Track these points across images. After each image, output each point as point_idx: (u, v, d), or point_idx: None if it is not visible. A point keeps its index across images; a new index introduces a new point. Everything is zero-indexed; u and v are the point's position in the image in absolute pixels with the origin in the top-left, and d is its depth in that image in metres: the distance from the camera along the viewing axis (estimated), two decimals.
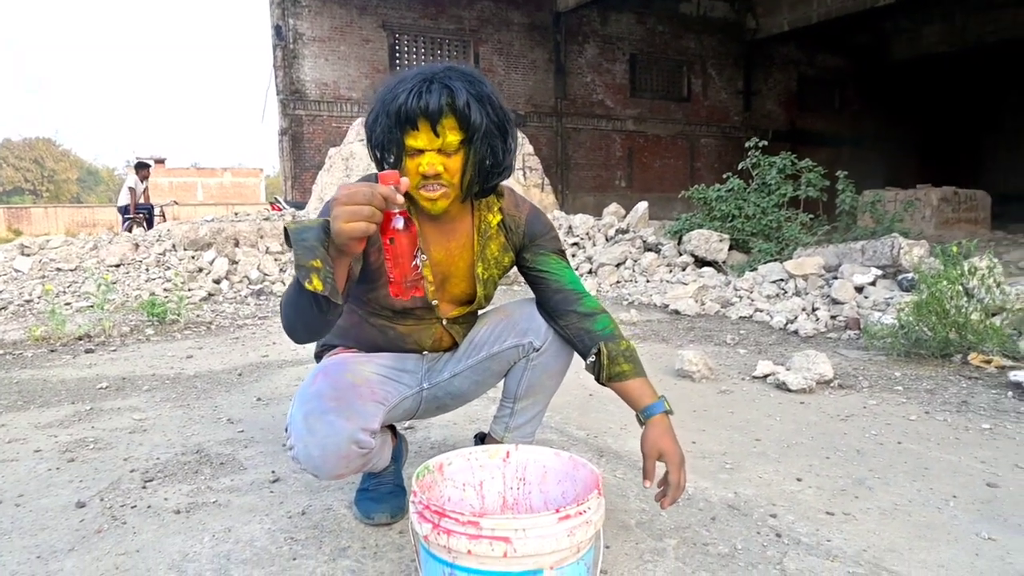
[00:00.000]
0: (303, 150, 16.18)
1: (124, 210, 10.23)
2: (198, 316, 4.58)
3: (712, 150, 20.96)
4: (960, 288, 3.11)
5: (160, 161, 47.97)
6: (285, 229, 1.12)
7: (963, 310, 3.01)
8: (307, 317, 1.16)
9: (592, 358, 1.42)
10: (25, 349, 3.72)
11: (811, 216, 5.93)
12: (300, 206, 10.58)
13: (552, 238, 1.49)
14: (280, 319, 1.27)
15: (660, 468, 1.33)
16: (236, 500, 1.68)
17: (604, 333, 1.43)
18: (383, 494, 1.54)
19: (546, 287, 1.47)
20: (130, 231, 10.09)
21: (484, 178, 1.31)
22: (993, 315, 3.38)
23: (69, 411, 2.50)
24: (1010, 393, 2.47)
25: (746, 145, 6.47)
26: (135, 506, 1.65)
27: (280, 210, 10.67)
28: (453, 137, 1.22)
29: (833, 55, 20.70)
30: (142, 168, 10.48)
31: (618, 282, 5.88)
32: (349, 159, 7.84)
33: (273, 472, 1.85)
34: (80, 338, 3.91)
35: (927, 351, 2.99)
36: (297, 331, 1.22)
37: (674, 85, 20.38)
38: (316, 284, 1.05)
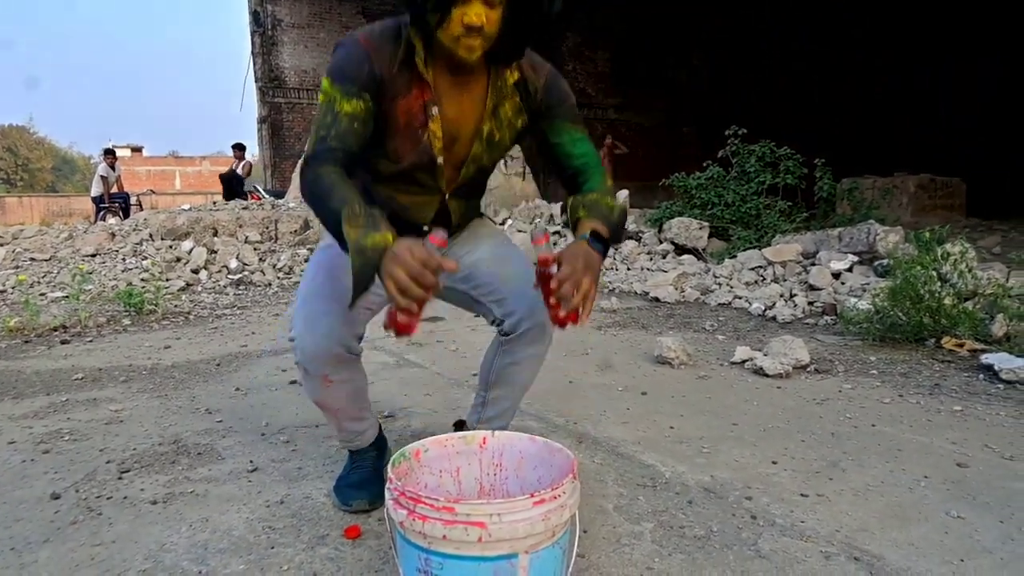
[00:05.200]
0: (283, 138, 16.00)
1: (99, 200, 10.09)
2: (176, 306, 4.53)
3: (694, 138, 21.05)
4: (933, 273, 3.16)
5: (137, 149, 47.26)
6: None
7: (936, 295, 3.06)
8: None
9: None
10: None
11: (790, 203, 5.98)
12: (280, 194, 10.47)
13: (570, 106, 1.45)
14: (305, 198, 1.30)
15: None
16: (214, 490, 1.67)
17: (593, 198, 1.38)
18: (362, 479, 1.54)
19: (557, 160, 1.45)
20: (105, 221, 9.95)
21: (520, 35, 1.28)
22: (966, 300, 3.44)
23: (44, 402, 2.47)
24: (981, 376, 2.52)
25: (726, 133, 6.50)
26: (111, 497, 1.64)
27: (259, 199, 10.55)
28: None
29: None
30: (108, 155, 10.31)
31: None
32: None
33: (251, 462, 1.84)
34: (55, 329, 3.85)
35: (901, 335, 3.04)
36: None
37: (656, 74, 20.41)
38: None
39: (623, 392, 2.45)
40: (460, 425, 1.75)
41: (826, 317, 3.68)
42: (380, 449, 1.64)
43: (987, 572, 1.24)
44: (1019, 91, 16.07)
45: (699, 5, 19.05)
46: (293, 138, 16.13)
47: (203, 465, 1.83)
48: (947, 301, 3.11)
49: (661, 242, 6.01)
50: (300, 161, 1.35)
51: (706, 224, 5.82)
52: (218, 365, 3.03)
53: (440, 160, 1.38)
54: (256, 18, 15.57)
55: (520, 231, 7.20)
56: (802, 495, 1.57)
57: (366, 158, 1.37)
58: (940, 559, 1.29)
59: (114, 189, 10.15)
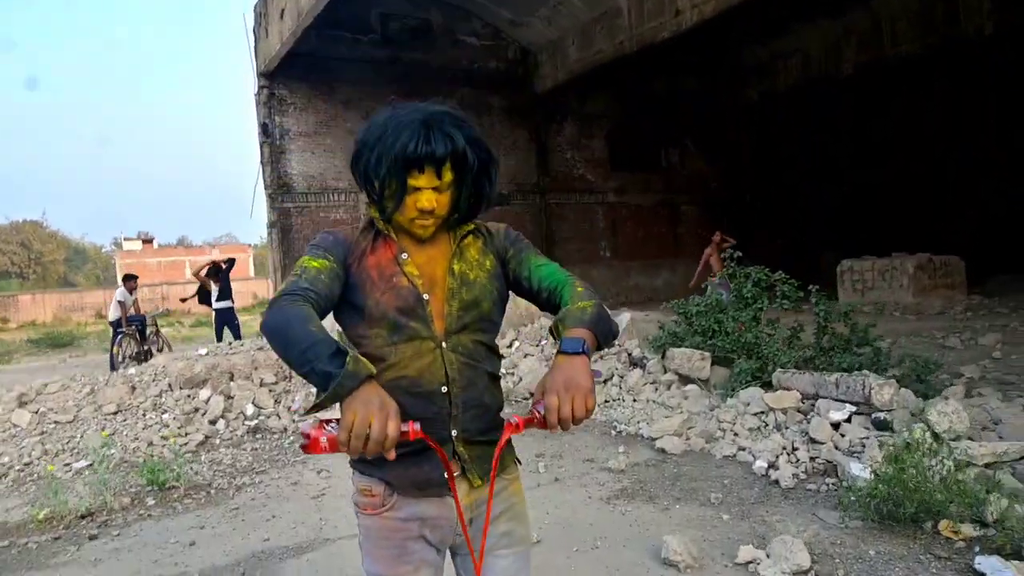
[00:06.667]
0: (292, 241, 16.45)
1: (116, 324, 10.35)
2: (196, 475, 4.67)
3: (693, 216, 21.52)
4: (925, 450, 3.29)
5: (148, 241, 48.41)
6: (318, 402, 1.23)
7: (930, 472, 3.18)
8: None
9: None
10: (29, 535, 3.80)
11: (790, 330, 6.15)
12: None
13: (527, 242, 1.62)
14: (266, 336, 1.34)
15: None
16: None
17: (571, 309, 1.46)
18: None
19: (531, 291, 1.56)
20: (121, 345, 10.19)
21: (468, 209, 1.49)
22: (961, 468, 3.56)
23: None
24: None
25: (721, 256, 6.72)
26: None
27: None
28: (448, 176, 1.41)
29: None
30: (129, 280, 10.65)
31: (606, 401, 6.03)
32: None
33: None
34: (83, 516, 4.00)
35: (900, 518, 3.14)
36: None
37: (652, 156, 21.07)
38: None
39: None
40: None
41: (827, 481, 3.80)
42: None
43: None
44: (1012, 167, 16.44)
45: (687, 86, 19.87)
46: (302, 240, 16.57)
47: None
48: (941, 474, 3.23)
49: (665, 371, 6.17)
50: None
51: (707, 355, 5.98)
52: (243, 574, 3.15)
53: (426, 297, 1.46)
54: (265, 129, 16.28)
55: (528, 354, 7.39)
56: None
57: (360, 344, 1.46)
58: None
59: (131, 312, 10.43)
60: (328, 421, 1.26)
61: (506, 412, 1.53)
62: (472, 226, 1.57)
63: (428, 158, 1.39)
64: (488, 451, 1.47)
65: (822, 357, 5.82)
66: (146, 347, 10.60)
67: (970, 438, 3.97)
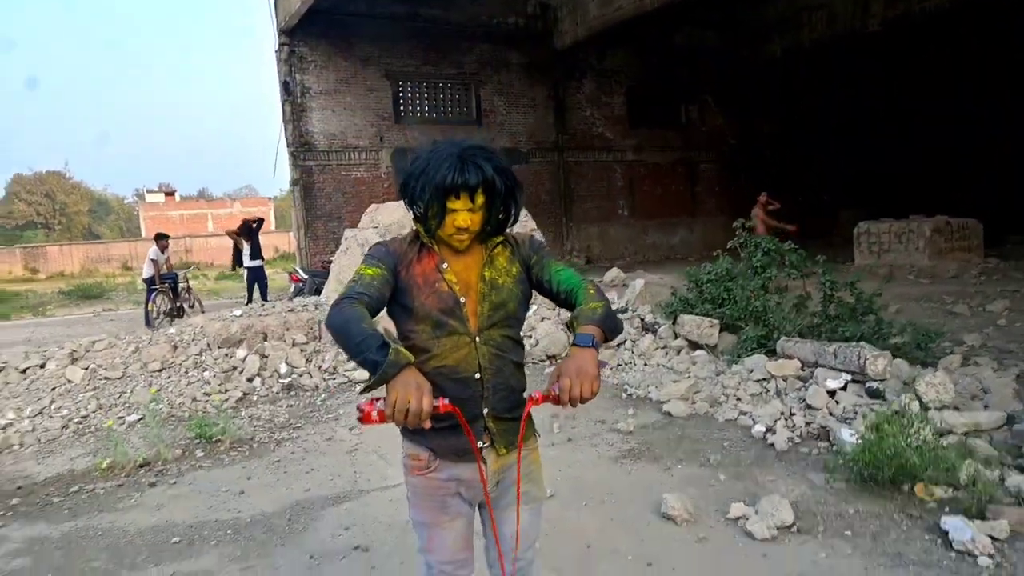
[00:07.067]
0: (314, 199, 16.74)
1: (149, 281, 10.79)
2: (239, 430, 5.09)
3: (711, 174, 21.48)
4: (909, 418, 3.59)
5: (170, 193, 48.87)
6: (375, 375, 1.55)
7: (908, 439, 3.47)
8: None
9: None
10: (95, 482, 4.25)
11: (797, 297, 6.39)
12: (318, 275, 11.10)
13: (548, 250, 1.95)
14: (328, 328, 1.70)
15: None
16: None
17: (584, 308, 1.78)
18: None
19: (552, 292, 1.87)
20: (156, 302, 10.66)
21: (497, 224, 1.82)
22: (942, 436, 3.86)
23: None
24: (939, 540, 2.94)
25: (733, 225, 6.94)
26: None
27: (299, 280, 11.21)
28: (480, 200, 1.73)
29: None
30: (161, 239, 11.04)
31: (619, 365, 6.36)
32: (364, 244, 8.37)
33: None
34: (141, 466, 4.44)
35: (880, 481, 3.46)
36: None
37: (671, 113, 20.94)
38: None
39: (631, 563, 2.93)
40: None
41: (819, 445, 4.12)
42: None
43: None
44: None
45: (708, 42, 19.60)
46: (324, 198, 16.86)
47: None
48: (924, 437, 3.52)
49: (676, 336, 6.47)
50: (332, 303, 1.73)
51: (716, 322, 6.26)
52: (289, 520, 3.57)
53: (462, 300, 1.78)
54: (286, 87, 16.41)
55: (545, 318, 7.72)
56: None
57: (409, 338, 1.79)
58: None
59: (164, 270, 10.86)
60: (377, 399, 1.61)
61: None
62: (501, 238, 1.88)
63: (463, 186, 1.70)
64: (513, 426, 1.82)
65: (827, 325, 6.06)
66: (179, 303, 11.07)
67: (956, 407, 4.26)
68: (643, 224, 20.89)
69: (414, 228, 1.87)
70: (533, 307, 8.05)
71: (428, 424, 1.57)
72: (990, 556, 2.78)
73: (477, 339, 1.79)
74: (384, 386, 1.56)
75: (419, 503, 1.85)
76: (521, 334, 1.94)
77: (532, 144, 18.96)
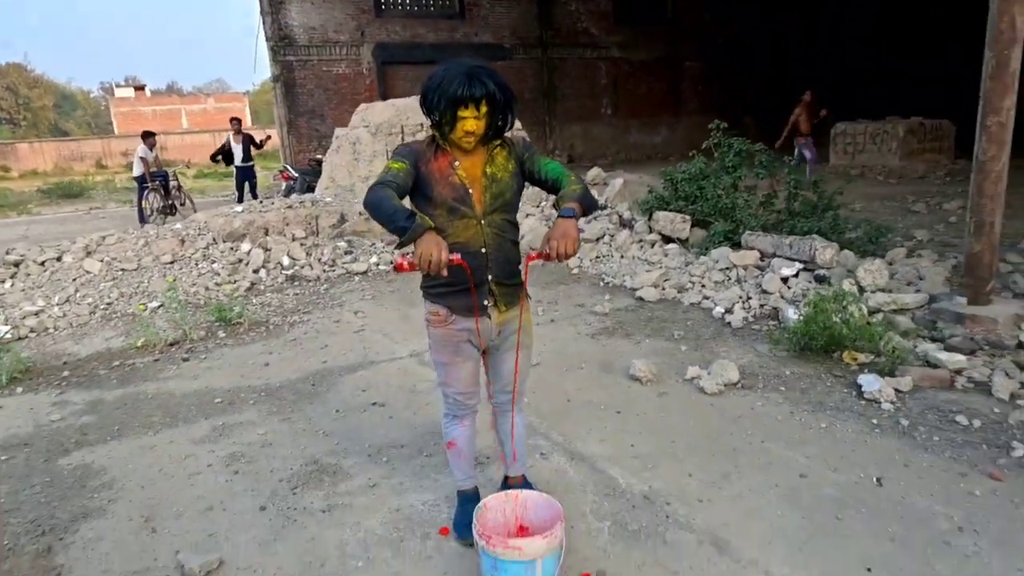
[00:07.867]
0: (296, 95, 16.62)
1: (141, 179, 10.99)
2: (254, 314, 5.62)
3: (695, 73, 21.39)
4: (847, 299, 4.19)
5: (140, 88, 47.22)
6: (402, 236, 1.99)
7: (840, 316, 4.09)
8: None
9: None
10: (133, 358, 4.80)
11: (764, 195, 6.89)
12: (307, 173, 11.33)
13: (536, 149, 2.42)
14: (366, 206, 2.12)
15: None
16: (354, 501, 2.81)
17: (567, 190, 2.28)
18: (468, 522, 2.44)
19: (543, 181, 2.35)
20: (149, 200, 10.91)
21: (497, 130, 2.25)
22: (873, 313, 4.49)
23: (207, 427, 3.62)
24: (854, 392, 3.60)
25: (709, 127, 7.32)
26: (295, 508, 2.79)
27: (290, 178, 11.45)
28: (484, 109, 2.13)
29: None
30: (148, 136, 11.13)
31: (597, 257, 6.92)
32: (356, 143, 8.63)
33: (369, 479, 2.98)
34: (171, 344, 4.98)
35: (814, 349, 4.10)
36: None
37: (657, 8, 20.57)
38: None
39: (604, 411, 3.57)
40: (505, 480, 2.80)
41: (770, 323, 4.75)
42: (476, 499, 2.61)
43: (782, 552, 2.37)
44: None
45: None
46: (306, 95, 16.73)
47: (340, 482, 2.98)
48: (855, 315, 4.15)
49: (651, 231, 6.99)
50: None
51: (688, 218, 6.78)
52: (313, 384, 4.16)
53: (471, 190, 2.25)
54: None
55: (529, 214, 8.18)
56: (699, 500, 2.69)
57: (428, 215, 2.27)
58: (762, 542, 2.41)
59: (153, 168, 11.04)
60: (406, 254, 2.10)
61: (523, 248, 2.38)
62: (500, 141, 2.34)
63: (471, 98, 2.12)
64: (510, 290, 2.37)
65: (790, 221, 6.60)
66: (170, 201, 11.34)
67: (890, 291, 4.88)
68: (626, 123, 20.98)
69: (430, 133, 2.31)
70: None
71: (445, 272, 2.03)
72: (892, 403, 3.44)
73: (482, 221, 2.27)
74: (412, 245, 2.04)
75: (439, 348, 2.39)
76: (516, 218, 2.43)
77: (515, 39, 18.70)
